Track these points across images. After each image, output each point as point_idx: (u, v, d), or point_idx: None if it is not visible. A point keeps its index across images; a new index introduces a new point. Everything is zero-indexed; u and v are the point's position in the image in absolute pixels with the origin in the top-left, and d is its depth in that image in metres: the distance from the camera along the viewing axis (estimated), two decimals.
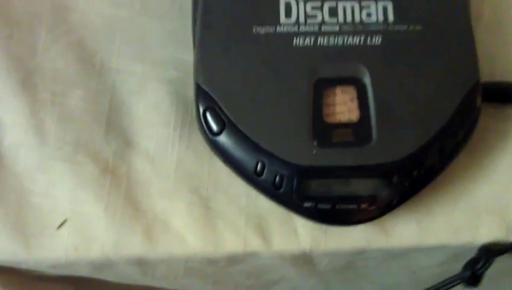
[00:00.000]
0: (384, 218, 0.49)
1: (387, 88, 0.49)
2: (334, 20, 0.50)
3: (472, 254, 0.51)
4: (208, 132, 0.49)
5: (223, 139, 0.48)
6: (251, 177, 0.48)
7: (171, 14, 0.55)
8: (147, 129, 0.53)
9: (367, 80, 0.49)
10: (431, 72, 0.49)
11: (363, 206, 0.47)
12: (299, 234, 0.50)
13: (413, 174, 0.47)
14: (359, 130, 0.48)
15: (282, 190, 0.47)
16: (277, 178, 0.47)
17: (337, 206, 0.47)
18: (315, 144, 0.47)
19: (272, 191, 0.48)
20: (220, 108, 0.48)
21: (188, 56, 0.52)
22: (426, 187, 0.49)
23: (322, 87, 0.49)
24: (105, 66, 0.54)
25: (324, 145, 0.47)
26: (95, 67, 0.54)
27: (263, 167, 0.47)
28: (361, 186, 0.47)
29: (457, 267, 0.51)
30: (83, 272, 0.52)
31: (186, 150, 0.52)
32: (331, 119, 0.49)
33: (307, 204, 0.47)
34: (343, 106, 0.49)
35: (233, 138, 0.48)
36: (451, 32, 0.50)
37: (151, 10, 0.55)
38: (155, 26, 0.55)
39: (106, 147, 0.52)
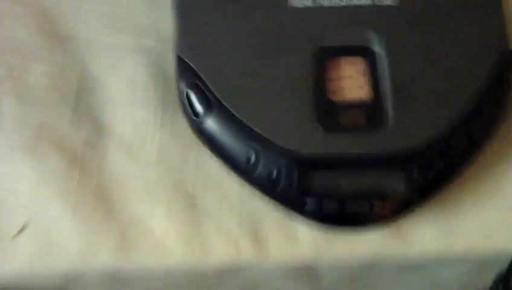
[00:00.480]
0: (401, 220, 0.46)
1: (404, 59, 0.46)
2: None
3: (505, 262, 0.48)
4: (191, 114, 0.46)
5: (209, 122, 0.45)
6: (243, 168, 0.45)
7: None
8: (122, 111, 0.50)
9: (380, 49, 0.47)
10: (454, 39, 0.47)
11: (377, 204, 0.44)
12: (299, 239, 0.47)
13: (437, 164, 0.44)
14: (372, 111, 0.46)
15: (280, 185, 0.44)
16: (274, 170, 0.44)
17: (346, 205, 0.44)
18: (319, 128, 0.44)
19: (268, 187, 0.45)
20: (206, 85, 0.46)
21: (169, 23, 0.49)
22: (452, 181, 0.46)
23: (326, 58, 0.47)
24: (73, 36, 0.51)
25: (330, 129, 0.45)
26: (60, 38, 0.51)
27: (257, 157, 0.44)
28: (375, 180, 0.44)
29: (485, 277, 0.49)
30: (46, 287, 0.49)
31: (169, 137, 0.49)
32: (338, 99, 0.46)
33: (309, 202, 0.44)
34: (351, 82, 0.46)
35: (222, 120, 0.45)
36: None
37: None
38: None
39: (74, 134, 0.49)
